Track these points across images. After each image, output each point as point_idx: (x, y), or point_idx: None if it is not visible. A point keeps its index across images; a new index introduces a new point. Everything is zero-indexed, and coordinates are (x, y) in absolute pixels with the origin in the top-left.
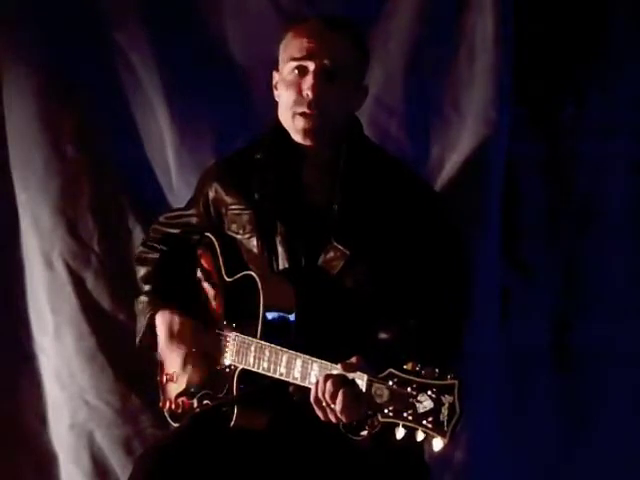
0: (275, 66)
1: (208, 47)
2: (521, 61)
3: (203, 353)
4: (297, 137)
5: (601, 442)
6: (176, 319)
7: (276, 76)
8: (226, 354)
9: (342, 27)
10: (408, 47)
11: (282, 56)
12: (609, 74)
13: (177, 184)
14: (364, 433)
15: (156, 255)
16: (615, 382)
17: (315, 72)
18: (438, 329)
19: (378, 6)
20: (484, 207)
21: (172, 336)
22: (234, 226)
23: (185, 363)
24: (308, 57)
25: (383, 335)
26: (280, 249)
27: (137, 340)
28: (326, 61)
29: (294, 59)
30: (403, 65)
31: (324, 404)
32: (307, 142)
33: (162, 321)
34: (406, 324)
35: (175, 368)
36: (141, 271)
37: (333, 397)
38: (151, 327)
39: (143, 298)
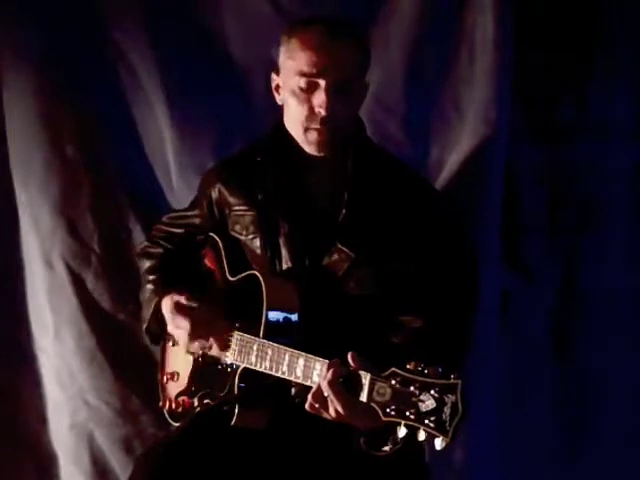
0: (274, 68)
1: (208, 47)
2: (521, 61)
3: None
4: (309, 148)
5: (601, 442)
6: (181, 297)
7: (275, 78)
8: (228, 353)
9: (346, 33)
10: (408, 47)
11: (287, 64)
12: (609, 74)
13: (177, 184)
14: (386, 448)
15: (160, 250)
16: (615, 382)
17: (327, 89)
18: (445, 331)
19: (378, 6)
20: (484, 207)
21: (178, 308)
22: (237, 227)
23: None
24: (319, 74)
25: (388, 338)
26: (283, 250)
27: (143, 327)
28: (337, 77)
29: (303, 74)
30: (403, 65)
31: (325, 393)
32: (320, 153)
33: (167, 303)
34: (412, 326)
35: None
36: (146, 264)
37: (332, 386)
38: (156, 315)
39: (149, 286)
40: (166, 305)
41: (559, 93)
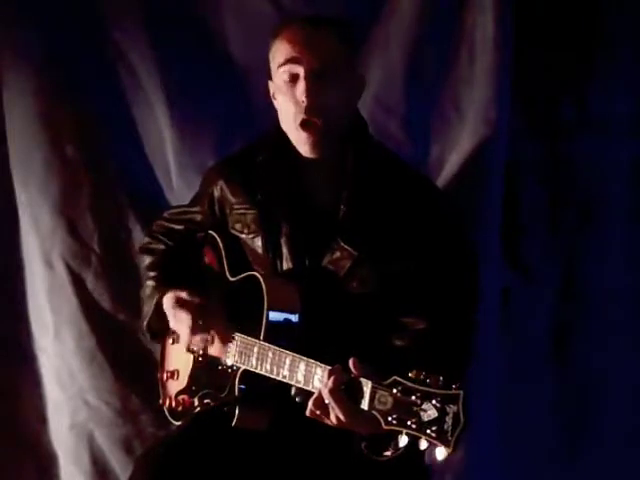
0: (269, 75)
1: (208, 47)
2: (521, 61)
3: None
4: (304, 150)
5: (601, 442)
6: (183, 293)
7: (272, 86)
8: (229, 354)
9: (324, 25)
10: (408, 47)
11: (272, 64)
12: (609, 75)
13: (177, 184)
14: (388, 453)
15: (162, 246)
16: (615, 382)
17: (306, 76)
18: (447, 333)
19: (378, 6)
20: (484, 207)
21: (181, 306)
22: (238, 225)
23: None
24: (295, 61)
25: (390, 339)
26: (285, 249)
27: (144, 324)
28: (314, 63)
29: (281, 65)
30: (403, 65)
31: (326, 401)
32: (315, 155)
33: (169, 299)
34: (415, 328)
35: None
36: (146, 260)
37: (334, 393)
38: (157, 312)
39: (150, 283)
40: (167, 301)
41: (559, 93)
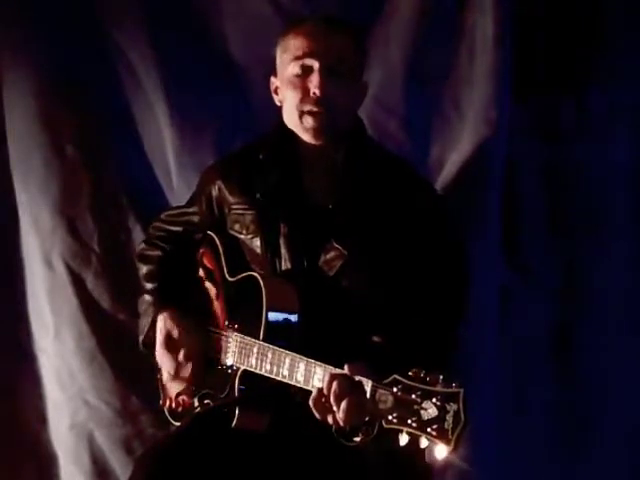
0: (273, 72)
1: (208, 47)
2: (521, 61)
3: (202, 354)
4: (306, 136)
5: (601, 442)
6: (177, 325)
7: (274, 81)
8: (228, 354)
9: (341, 26)
10: (408, 47)
11: (282, 58)
12: (609, 75)
13: (177, 183)
14: (357, 439)
15: (158, 252)
16: (616, 382)
17: (320, 70)
18: (435, 331)
19: (378, 6)
20: (484, 207)
21: (169, 341)
22: (237, 226)
23: (183, 364)
24: (312, 55)
25: (380, 337)
26: (283, 250)
27: (140, 339)
28: (330, 59)
29: (297, 58)
30: (403, 65)
31: (327, 405)
32: (317, 141)
33: (162, 325)
34: (403, 326)
35: (169, 371)
36: (143, 269)
37: (338, 399)
38: (154, 327)
39: (147, 297)
40: (160, 326)
41: (559, 93)
